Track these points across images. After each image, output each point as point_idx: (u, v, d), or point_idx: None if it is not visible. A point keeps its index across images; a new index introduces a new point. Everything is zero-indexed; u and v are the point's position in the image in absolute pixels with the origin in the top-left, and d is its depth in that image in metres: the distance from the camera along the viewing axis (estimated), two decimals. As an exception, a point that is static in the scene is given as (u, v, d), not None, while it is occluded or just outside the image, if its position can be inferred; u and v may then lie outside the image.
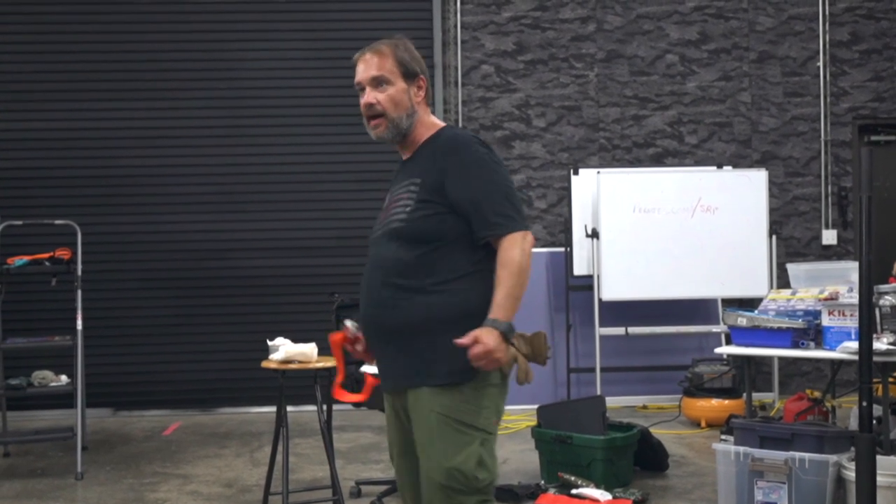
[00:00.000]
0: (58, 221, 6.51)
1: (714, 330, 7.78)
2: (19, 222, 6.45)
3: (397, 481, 2.95)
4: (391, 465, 2.98)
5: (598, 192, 7.47)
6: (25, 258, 6.19)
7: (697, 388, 6.90)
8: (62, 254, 6.23)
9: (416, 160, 2.79)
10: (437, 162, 2.71)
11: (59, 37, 7.99)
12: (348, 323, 2.94)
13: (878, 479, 3.61)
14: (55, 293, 6.62)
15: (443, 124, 2.87)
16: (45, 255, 6.23)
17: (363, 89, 2.78)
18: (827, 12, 8.38)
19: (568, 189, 7.78)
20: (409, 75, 2.77)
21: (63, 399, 6.50)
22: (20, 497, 5.27)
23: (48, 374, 6.17)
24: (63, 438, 6.11)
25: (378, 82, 2.75)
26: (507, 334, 2.57)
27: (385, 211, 2.81)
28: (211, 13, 8.10)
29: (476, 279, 2.69)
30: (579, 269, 7.65)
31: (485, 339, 2.53)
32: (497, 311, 2.59)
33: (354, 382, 5.00)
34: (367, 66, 2.76)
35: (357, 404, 5.04)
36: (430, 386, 2.64)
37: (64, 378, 6.17)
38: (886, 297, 4.80)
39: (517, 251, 2.62)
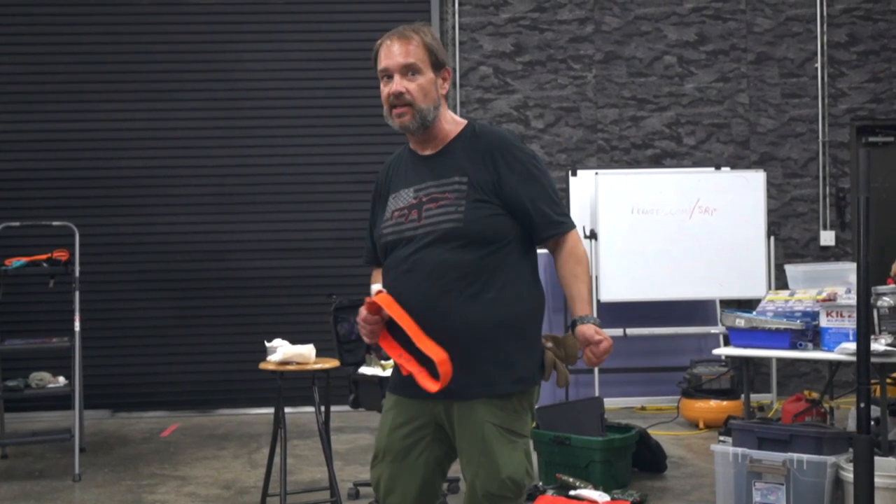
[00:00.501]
0: (55, 223, 6.51)
1: (712, 331, 7.78)
2: (17, 223, 6.44)
3: (383, 490, 2.71)
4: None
5: (596, 193, 7.46)
6: (23, 259, 6.19)
7: (696, 390, 6.91)
8: (60, 255, 6.22)
9: (449, 157, 2.64)
10: (485, 160, 2.60)
11: (57, 38, 7.99)
12: (377, 286, 2.68)
13: (877, 480, 3.62)
14: (53, 294, 6.63)
15: (462, 120, 2.75)
16: (43, 257, 6.23)
17: (390, 77, 2.61)
18: (825, 14, 8.38)
19: (566, 190, 7.78)
20: (437, 65, 2.63)
21: (61, 400, 6.49)
22: (18, 499, 5.26)
23: (46, 375, 6.17)
24: (61, 440, 6.11)
25: (409, 70, 2.59)
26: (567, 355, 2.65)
27: (413, 210, 2.63)
28: (209, 14, 8.09)
29: (535, 283, 2.67)
30: (577, 270, 7.64)
31: (605, 341, 2.55)
32: (585, 306, 2.59)
33: (353, 384, 5.00)
34: (395, 52, 2.59)
35: (355, 405, 5.05)
36: (489, 396, 2.55)
37: (62, 379, 6.17)
38: (884, 298, 4.80)
39: (582, 247, 2.66)
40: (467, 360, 2.53)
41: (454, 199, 2.57)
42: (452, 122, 2.71)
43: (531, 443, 2.70)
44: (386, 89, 2.62)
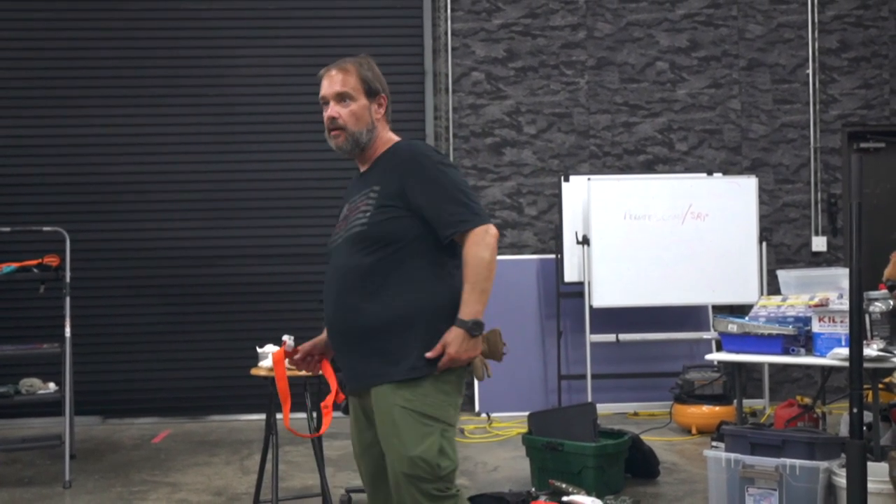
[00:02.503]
0: (46, 228, 6.47)
1: (705, 336, 7.79)
2: (7, 229, 6.40)
3: (361, 479, 3.04)
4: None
5: (588, 198, 7.47)
6: (13, 265, 6.15)
7: (688, 395, 6.91)
8: (50, 260, 6.19)
9: (374, 171, 2.94)
10: (395, 170, 2.85)
11: (46, 43, 7.97)
12: (285, 337, 3.16)
13: (869, 485, 3.61)
14: (43, 300, 6.60)
15: (398, 139, 3.01)
16: (34, 262, 6.20)
17: (327, 103, 2.95)
18: (816, 20, 8.41)
19: (558, 196, 7.78)
20: (370, 93, 2.94)
21: (51, 407, 6.46)
22: (7, 506, 5.24)
23: (36, 381, 6.13)
24: (51, 447, 6.08)
25: (341, 98, 2.92)
26: (472, 331, 2.73)
27: (344, 221, 2.96)
28: (200, 20, 8.08)
29: (437, 279, 2.82)
30: (570, 275, 7.65)
31: (451, 348, 2.72)
32: (463, 308, 2.75)
33: (342, 387, 4.98)
34: (331, 82, 2.93)
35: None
36: (391, 382, 2.77)
37: (52, 386, 6.13)
38: (876, 303, 4.82)
39: (480, 247, 2.75)
40: (366, 353, 2.81)
41: (365, 206, 2.86)
42: (386, 142, 2.99)
43: (454, 429, 2.85)
44: (324, 114, 2.95)
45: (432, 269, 2.81)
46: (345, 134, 2.92)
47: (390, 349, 2.78)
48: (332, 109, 2.93)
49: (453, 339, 2.72)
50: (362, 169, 3.02)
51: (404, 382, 2.76)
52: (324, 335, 3.06)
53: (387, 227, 2.79)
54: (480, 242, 2.75)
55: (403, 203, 2.80)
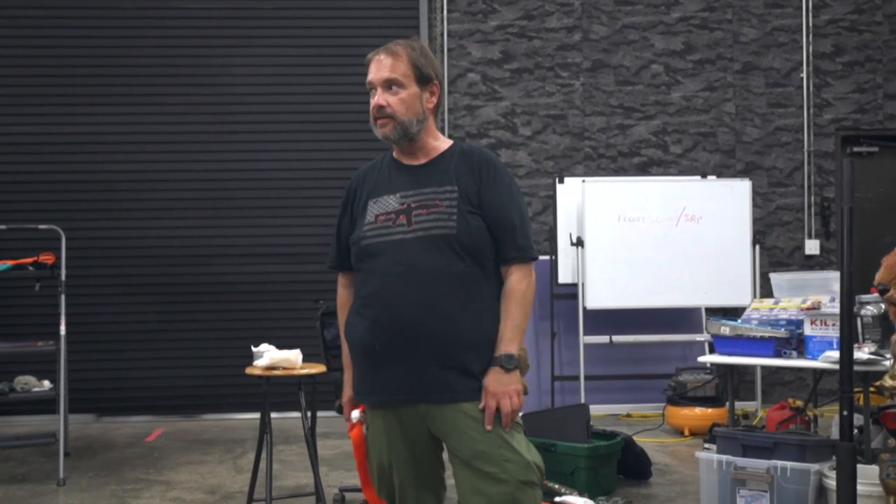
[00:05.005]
0: (42, 226, 6.48)
1: (698, 339, 7.81)
2: (3, 226, 6.41)
3: (397, 500, 2.76)
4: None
5: (583, 200, 7.49)
6: (9, 262, 6.16)
7: (681, 397, 6.93)
8: (46, 258, 6.20)
9: (440, 168, 2.70)
10: (472, 173, 2.67)
11: (42, 41, 7.97)
12: (356, 413, 2.78)
13: (859, 487, 3.64)
14: (38, 298, 6.59)
15: (447, 139, 2.82)
16: (29, 260, 6.21)
17: (374, 90, 2.69)
18: (810, 24, 8.45)
19: (553, 197, 7.80)
20: (422, 80, 2.68)
21: (46, 405, 6.47)
22: (1, 503, 5.24)
23: (31, 379, 6.13)
24: (45, 444, 6.08)
25: (390, 84, 2.66)
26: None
27: (402, 214, 2.65)
28: (195, 18, 8.09)
29: (499, 299, 2.69)
30: (564, 277, 7.67)
31: (511, 398, 2.57)
32: (509, 344, 2.60)
33: (339, 389, 5.00)
34: (380, 67, 2.67)
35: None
36: (474, 402, 2.63)
37: (47, 383, 6.14)
38: (868, 307, 4.85)
39: (525, 283, 2.64)
40: (453, 364, 2.59)
41: (446, 206, 2.62)
42: (437, 137, 2.78)
43: None
44: (371, 101, 2.70)
45: (498, 289, 2.67)
46: (393, 122, 2.65)
47: (479, 367, 2.61)
48: (380, 97, 2.65)
49: (508, 383, 2.58)
50: (410, 161, 2.74)
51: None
52: (348, 376, 2.83)
53: (476, 236, 2.61)
54: (525, 279, 2.64)
55: (481, 210, 2.63)
